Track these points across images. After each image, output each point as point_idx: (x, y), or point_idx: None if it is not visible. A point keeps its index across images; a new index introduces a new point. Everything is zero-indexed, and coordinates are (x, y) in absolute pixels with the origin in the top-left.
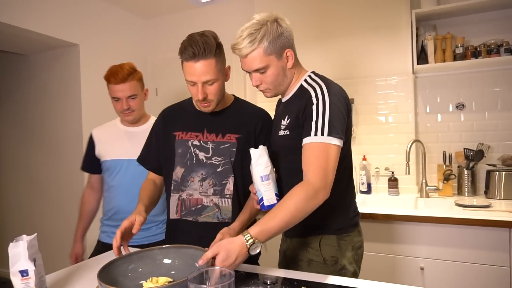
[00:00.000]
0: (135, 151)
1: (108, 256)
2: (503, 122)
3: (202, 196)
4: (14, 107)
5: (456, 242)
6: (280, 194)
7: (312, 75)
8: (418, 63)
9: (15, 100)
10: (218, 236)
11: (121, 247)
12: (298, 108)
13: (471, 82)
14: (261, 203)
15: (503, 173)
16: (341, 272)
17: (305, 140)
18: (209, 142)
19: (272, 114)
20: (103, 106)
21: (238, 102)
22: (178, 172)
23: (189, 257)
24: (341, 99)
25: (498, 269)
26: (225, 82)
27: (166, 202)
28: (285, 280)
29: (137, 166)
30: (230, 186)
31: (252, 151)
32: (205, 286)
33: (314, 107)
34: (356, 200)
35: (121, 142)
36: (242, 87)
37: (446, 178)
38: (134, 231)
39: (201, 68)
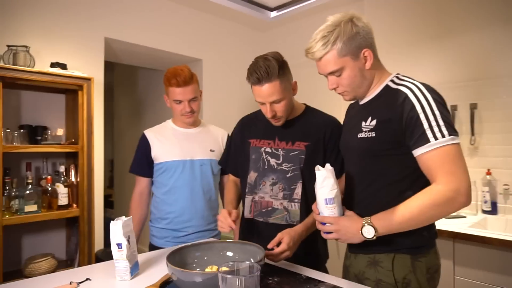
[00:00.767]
0: (195, 152)
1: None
2: None
3: (272, 199)
4: (154, 116)
5: None
6: (351, 204)
7: (400, 76)
8: None
9: (155, 110)
10: (278, 235)
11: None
12: (389, 110)
13: None
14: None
15: None
16: None
17: (421, 150)
18: (279, 149)
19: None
20: (223, 115)
21: (308, 111)
22: (252, 176)
23: (249, 253)
24: (441, 96)
25: None
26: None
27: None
28: None
29: (199, 167)
30: (298, 191)
31: (318, 172)
32: (230, 276)
33: (419, 109)
34: (475, 219)
35: (180, 143)
36: None
37: None
38: (233, 218)
39: (267, 90)
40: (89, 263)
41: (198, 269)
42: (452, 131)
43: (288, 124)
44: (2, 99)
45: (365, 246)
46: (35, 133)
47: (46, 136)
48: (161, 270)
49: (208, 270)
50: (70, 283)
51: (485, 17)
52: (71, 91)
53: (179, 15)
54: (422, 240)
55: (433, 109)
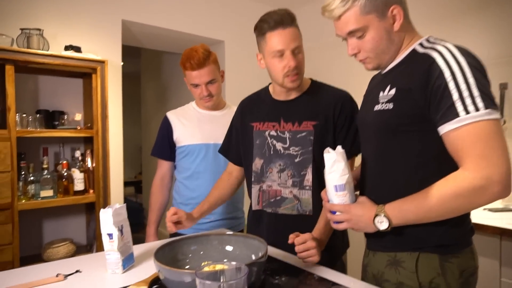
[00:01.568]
0: (219, 135)
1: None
2: None
3: (281, 188)
4: (179, 100)
5: None
6: (366, 188)
7: (431, 38)
8: None
9: (181, 95)
10: (291, 236)
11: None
12: (412, 77)
13: None
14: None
15: None
16: None
17: (449, 126)
18: (286, 132)
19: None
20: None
21: (315, 86)
22: (258, 163)
23: (251, 248)
24: (479, 61)
25: None
26: None
27: (248, 192)
28: None
29: None
30: (309, 177)
31: (327, 155)
32: (209, 282)
33: (447, 76)
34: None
35: (204, 126)
36: None
37: None
38: (173, 219)
39: (290, 34)
40: None
41: (188, 266)
42: (490, 104)
43: (293, 103)
44: (14, 82)
45: (384, 243)
46: (52, 118)
47: (63, 121)
48: None
49: (203, 265)
50: (57, 275)
51: None
52: (88, 75)
53: None
54: (453, 237)
55: (467, 76)
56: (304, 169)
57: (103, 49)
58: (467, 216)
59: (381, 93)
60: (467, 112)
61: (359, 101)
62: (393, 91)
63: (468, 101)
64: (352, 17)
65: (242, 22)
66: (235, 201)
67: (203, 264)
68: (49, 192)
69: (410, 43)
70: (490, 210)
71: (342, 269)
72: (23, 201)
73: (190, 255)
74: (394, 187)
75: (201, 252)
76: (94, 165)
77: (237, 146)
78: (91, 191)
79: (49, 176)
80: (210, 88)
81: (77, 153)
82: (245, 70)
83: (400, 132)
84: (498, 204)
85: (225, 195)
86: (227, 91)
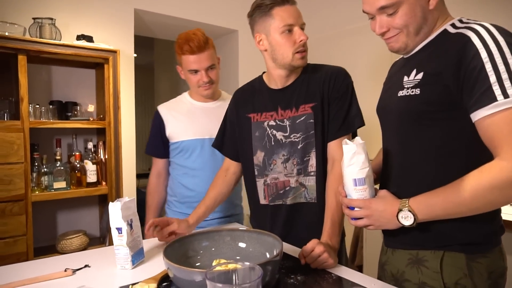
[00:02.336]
0: (215, 128)
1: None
2: None
3: (289, 178)
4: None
5: None
6: (387, 181)
7: (464, 19)
8: None
9: None
10: (300, 255)
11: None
12: (442, 59)
13: None
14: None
15: None
16: None
17: (485, 111)
18: (285, 120)
19: None
20: None
21: (308, 67)
22: (259, 156)
23: (265, 245)
24: None
25: None
26: None
27: (247, 188)
28: None
29: None
30: (313, 162)
31: (345, 147)
32: (220, 285)
33: (484, 56)
34: None
35: (198, 119)
36: None
37: None
38: (158, 236)
39: (297, 11)
40: None
41: (199, 264)
42: None
43: (289, 89)
44: (28, 72)
45: (405, 240)
46: (65, 109)
47: (76, 112)
48: None
49: (215, 264)
50: (65, 270)
51: None
52: (100, 66)
53: None
54: (482, 235)
55: (506, 56)
56: (307, 155)
57: (116, 39)
58: (497, 212)
59: (405, 78)
60: (506, 96)
61: (360, 93)
62: (420, 75)
63: (508, 84)
64: None
65: None
66: (233, 197)
67: (214, 262)
68: (62, 184)
69: (442, 25)
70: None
71: (341, 258)
72: (37, 192)
73: (201, 252)
74: (419, 180)
75: (213, 249)
76: (106, 156)
77: (232, 139)
78: (104, 183)
79: (62, 168)
80: (211, 74)
81: (90, 145)
82: (259, 60)
83: (427, 119)
84: None
85: (223, 194)
86: (241, 81)
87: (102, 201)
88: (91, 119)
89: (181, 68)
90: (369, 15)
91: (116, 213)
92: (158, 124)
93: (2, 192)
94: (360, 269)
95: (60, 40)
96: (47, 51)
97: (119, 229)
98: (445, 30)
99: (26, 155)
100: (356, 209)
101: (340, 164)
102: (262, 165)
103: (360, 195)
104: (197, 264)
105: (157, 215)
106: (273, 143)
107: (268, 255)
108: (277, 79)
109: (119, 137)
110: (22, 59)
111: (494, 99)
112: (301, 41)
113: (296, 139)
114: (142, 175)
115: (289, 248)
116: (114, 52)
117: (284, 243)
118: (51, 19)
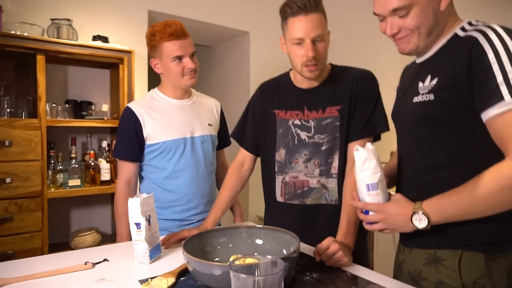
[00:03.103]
0: (194, 127)
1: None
2: None
3: (308, 178)
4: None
5: None
6: (402, 185)
7: (474, 21)
8: None
9: (204, 87)
10: (315, 252)
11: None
12: (454, 63)
13: None
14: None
15: None
16: None
17: (492, 111)
18: (310, 120)
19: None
20: None
21: (336, 70)
22: (282, 153)
23: (282, 242)
24: None
25: None
26: None
27: (264, 183)
28: None
29: (200, 144)
30: (336, 164)
31: (357, 153)
32: (244, 276)
33: (491, 57)
34: None
35: (177, 117)
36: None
37: None
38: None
39: (313, 21)
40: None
41: (217, 259)
42: None
43: (316, 91)
44: (45, 72)
45: (423, 239)
46: (80, 108)
47: (90, 111)
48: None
49: (233, 259)
50: (85, 263)
51: None
52: (115, 66)
53: None
54: (501, 235)
55: None
56: (331, 157)
57: (130, 39)
58: None
59: (420, 84)
60: None
61: (384, 94)
62: (434, 81)
63: None
64: None
65: (268, 13)
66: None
67: (232, 257)
68: (77, 181)
69: (453, 27)
70: None
71: (364, 255)
72: (52, 189)
73: (218, 248)
74: (433, 183)
75: (230, 245)
76: None
77: (253, 132)
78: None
79: (77, 166)
80: (195, 61)
81: (104, 143)
82: (270, 61)
83: (442, 123)
84: None
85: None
86: (252, 83)
87: None
88: (106, 118)
89: (157, 60)
90: (379, 16)
91: (135, 208)
92: (132, 125)
93: (19, 189)
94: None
95: (76, 41)
96: (64, 51)
97: (137, 225)
98: (456, 34)
99: (43, 152)
100: (370, 213)
101: None
102: (283, 162)
103: (373, 200)
104: (215, 259)
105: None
106: (296, 142)
107: (285, 252)
108: (301, 81)
109: None
110: (40, 59)
111: (501, 98)
112: (307, 56)
113: (320, 140)
114: None
115: (305, 247)
116: (129, 52)
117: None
118: (68, 20)
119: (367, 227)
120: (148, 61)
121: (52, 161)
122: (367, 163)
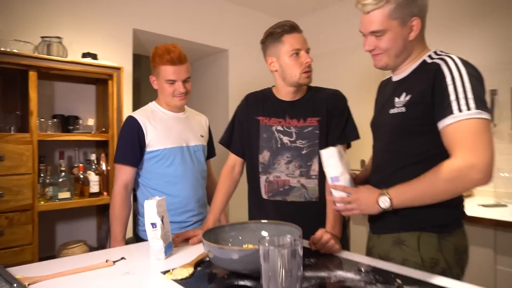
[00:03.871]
0: (189, 138)
1: None
2: None
3: (289, 178)
4: None
5: None
6: (379, 184)
7: (438, 51)
8: None
9: None
10: (310, 243)
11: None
12: (423, 84)
13: None
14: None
15: None
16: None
17: (445, 122)
18: (291, 127)
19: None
20: None
21: (312, 89)
22: (265, 155)
23: (285, 233)
24: (478, 72)
25: None
26: None
27: (249, 183)
28: (380, 270)
29: (193, 153)
30: (315, 167)
31: (323, 151)
32: (273, 247)
33: (448, 80)
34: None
35: (175, 128)
36: None
37: None
38: (191, 242)
39: (303, 37)
40: None
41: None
42: (481, 106)
43: (296, 104)
44: (37, 88)
45: (389, 225)
46: (67, 123)
47: (77, 125)
48: (193, 251)
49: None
50: (106, 261)
51: None
52: (101, 82)
53: (206, 5)
54: (448, 218)
55: (464, 81)
56: (311, 160)
57: (116, 57)
58: (461, 200)
59: (396, 99)
60: (460, 110)
61: (354, 103)
62: (408, 97)
63: (463, 102)
64: (379, 17)
65: (246, 32)
66: (209, 201)
67: (245, 246)
68: (67, 194)
69: (420, 55)
70: (484, 206)
71: (346, 241)
72: (42, 202)
73: (230, 240)
74: (405, 180)
75: (240, 237)
76: (108, 168)
77: (240, 137)
78: (105, 193)
79: (66, 179)
80: (186, 85)
81: (93, 156)
82: (248, 78)
83: (412, 132)
84: (491, 200)
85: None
86: (231, 100)
87: (101, 212)
88: (93, 132)
89: (155, 78)
90: (362, 34)
91: (152, 209)
92: (136, 132)
93: (11, 202)
94: None
95: (66, 57)
96: (56, 68)
97: (153, 224)
98: (424, 60)
99: (34, 166)
100: (345, 196)
101: None
102: (267, 164)
103: (336, 192)
104: None
105: (126, 225)
106: (279, 146)
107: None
108: (285, 95)
109: None
110: (33, 75)
111: (451, 112)
112: (307, 62)
113: (301, 145)
114: None
115: None
116: (118, 69)
117: None
118: (59, 37)
119: (341, 211)
120: (133, 76)
121: (42, 175)
122: (330, 160)
